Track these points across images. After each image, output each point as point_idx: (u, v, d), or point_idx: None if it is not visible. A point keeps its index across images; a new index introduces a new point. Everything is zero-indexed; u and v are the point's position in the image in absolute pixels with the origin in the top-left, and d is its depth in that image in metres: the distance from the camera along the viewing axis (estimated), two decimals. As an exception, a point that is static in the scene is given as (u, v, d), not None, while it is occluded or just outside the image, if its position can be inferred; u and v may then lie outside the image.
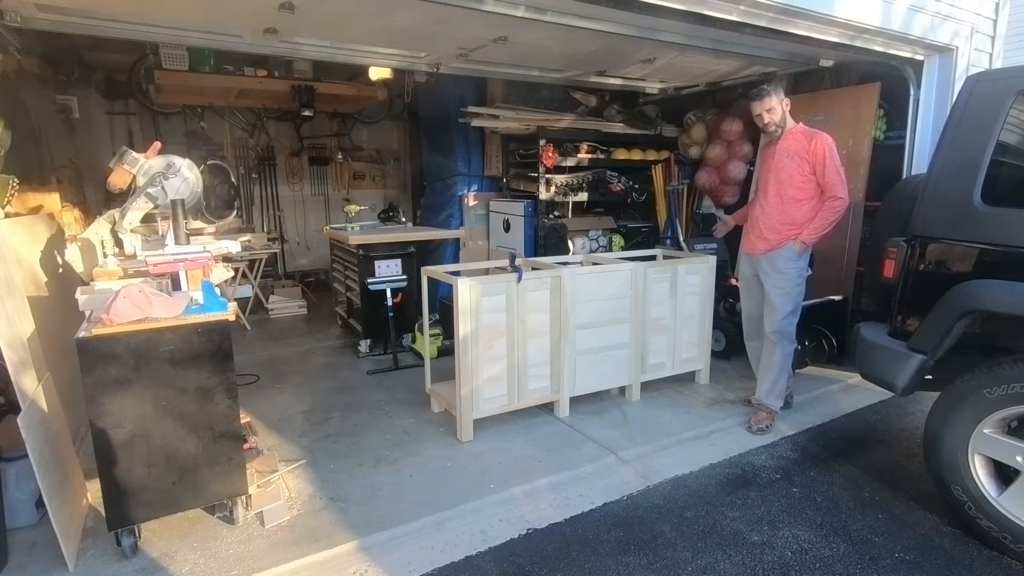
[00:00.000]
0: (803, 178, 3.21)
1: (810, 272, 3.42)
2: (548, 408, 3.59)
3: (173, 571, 2.22)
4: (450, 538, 2.41)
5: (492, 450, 3.16)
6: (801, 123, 3.32)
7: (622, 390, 3.85)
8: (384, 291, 4.55)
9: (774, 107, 3.20)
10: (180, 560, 2.27)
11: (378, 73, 5.28)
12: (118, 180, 3.01)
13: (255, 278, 6.15)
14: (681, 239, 5.27)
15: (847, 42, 3.76)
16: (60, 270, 3.26)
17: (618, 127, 5.70)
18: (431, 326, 4.10)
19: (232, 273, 3.99)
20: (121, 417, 2.16)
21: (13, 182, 3.14)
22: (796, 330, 3.40)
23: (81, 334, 2.11)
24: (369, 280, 4.59)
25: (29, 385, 2.30)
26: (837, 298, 4.33)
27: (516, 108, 5.49)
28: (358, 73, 5.83)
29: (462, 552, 2.32)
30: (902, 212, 2.82)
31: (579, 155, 5.48)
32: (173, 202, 2.81)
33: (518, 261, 3.53)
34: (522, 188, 5.62)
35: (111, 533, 2.25)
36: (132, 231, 3.02)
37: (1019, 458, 2.22)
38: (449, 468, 2.98)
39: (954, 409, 2.38)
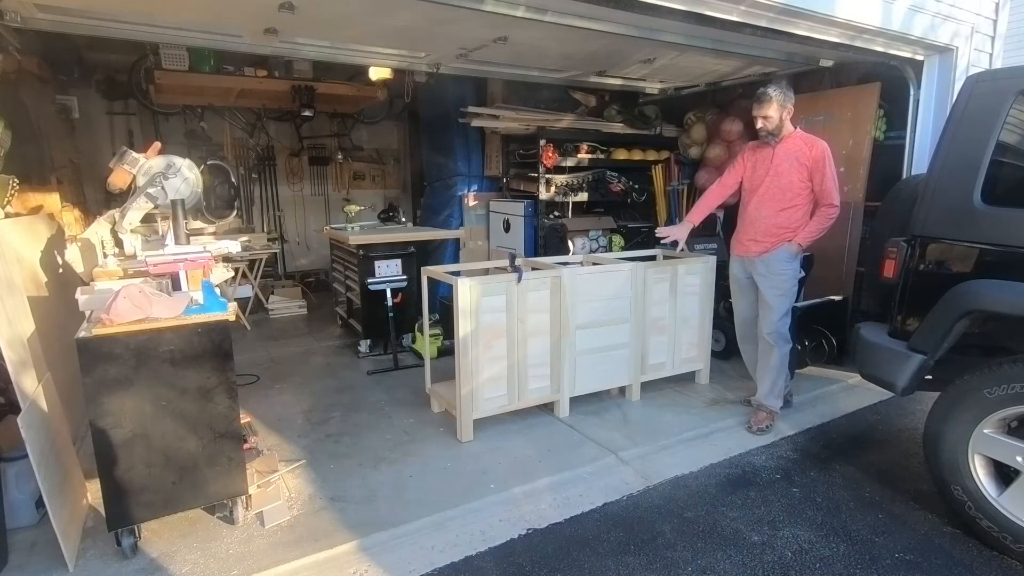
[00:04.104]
0: (801, 184, 3.23)
1: (803, 274, 3.42)
2: (548, 408, 3.59)
3: (173, 571, 2.22)
4: (450, 538, 2.41)
5: (492, 450, 3.16)
6: (799, 128, 3.32)
7: (622, 390, 3.85)
8: (384, 291, 4.55)
9: (771, 115, 3.19)
10: (180, 560, 2.27)
11: (378, 73, 5.28)
12: (118, 180, 3.01)
13: (255, 278, 6.15)
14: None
15: (847, 42, 3.76)
16: (60, 270, 3.26)
17: (618, 127, 5.70)
18: (431, 326, 4.09)
19: (232, 273, 3.99)
20: (121, 417, 2.16)
21: (13, 182, 3.14)
22: (796, 330, 3.40)
23: (81, 334, 2.11)
24: (369, 280, 4.59)
25: (29, 385, 2.30)
26: (837, 298, 4.33)
27: (516, 108, 5.49)
28: (358, 73, 5.83)
29: (462, 552, 2.32)
30: (902, 212, 2.82)
31: (579, 155, 5.48)
32: (173, 202, 2.81)
33: (518, 261, 3.53)
34: (522, 188, 5.62)
35: (111, 533, 2.25)
36: (132, 231, 3.02)
37: (1019, 458, 2.22)
38: (449, 468, 2.98)
39: (954, 409, 2.38)
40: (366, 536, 2.41)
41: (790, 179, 3.22)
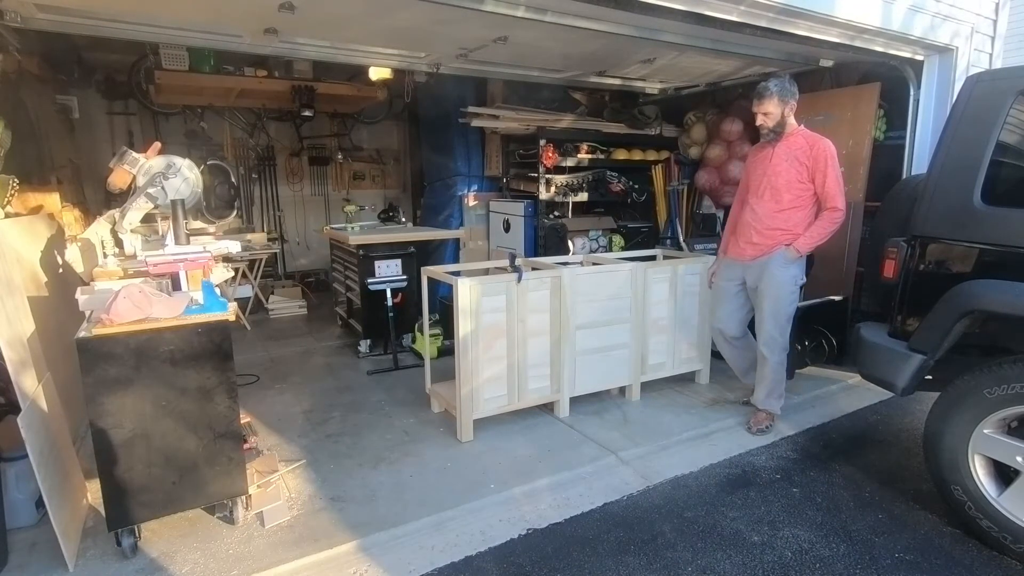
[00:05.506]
0: (801, 184, 3.11)
1: (804, 280, 3.32)
2: (548, 408, 3.59)
3: (173, 571, 2.22)
4: (450, 538, 2.41)
5: (492, 450, 3.16)
6: (803, 126, 3.21)
7: (622, 390, 3.85)
8: (384, 291, 4.55)
9: (771, 111, 3.08)
10: (180, 560, 2.27)
11: (378, 73, 5.28)
12: (118, 180, 3.01)
13: (255, 278, 6.15)
14: (681, 239, 5.28)
15: (847, 42, 3.76)
16: (60, 270, 3.26)
17: (618, 127, 5.70)
18: (431, 326, 4.09)
19: (232, 273, 3.99)
20: (121, 417, 2.16)
21: (13, 182, 3.14)
22: (796, 330, 3.34)
23: (81, 334, 2.11)
24: (369, 280, 4.59)
25: (29, 385, 2.30)
26: (837, 298, 4.33)
27: (516, 108, 5.49)
28: (358, 73, 5.83)
29: (462, 552, 2.32)
30: (902, 212, 2.82)
31: (579, 155, 5.47)
32: (173, 202, 2.80)
33: (518, 261, 3.53)
34: (522, 188, 5.62)
35: (111, 533, 2.25)
36: (132, 231, 3.02)
37: (1019, 458, 2.22)
38: (449, 468, 2.98)
39: (954, 409, 2.38)
40: (366, 536, 2.41)
41: (788, 179, 3.11)
